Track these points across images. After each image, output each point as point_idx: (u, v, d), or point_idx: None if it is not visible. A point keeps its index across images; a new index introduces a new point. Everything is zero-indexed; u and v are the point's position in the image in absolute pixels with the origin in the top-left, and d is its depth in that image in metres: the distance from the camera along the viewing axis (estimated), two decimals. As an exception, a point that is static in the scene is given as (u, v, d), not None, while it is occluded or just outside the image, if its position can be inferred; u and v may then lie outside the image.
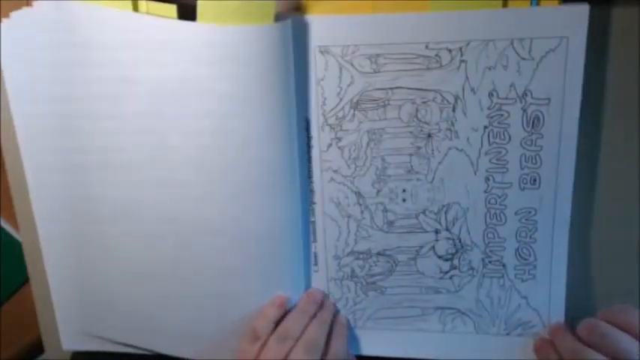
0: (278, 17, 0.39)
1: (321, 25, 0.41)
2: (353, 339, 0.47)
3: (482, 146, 0.42)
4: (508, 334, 0.45)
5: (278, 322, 0.44)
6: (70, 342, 0.51)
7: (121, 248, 0.46)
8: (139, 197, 0.44)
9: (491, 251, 0.44)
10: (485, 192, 0.43)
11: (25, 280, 0.52)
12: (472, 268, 0.44)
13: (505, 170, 0.42)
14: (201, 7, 0.39)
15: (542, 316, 0.44)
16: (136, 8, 0.40)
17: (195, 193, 0.43)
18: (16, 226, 0.50)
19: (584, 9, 0.38)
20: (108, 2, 0.40)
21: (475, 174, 0.43)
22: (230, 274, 0.44)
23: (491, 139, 0.42)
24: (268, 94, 0.40)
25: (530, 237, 0.43)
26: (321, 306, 0.46)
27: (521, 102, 0.41)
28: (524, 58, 0.40)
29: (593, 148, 0.42)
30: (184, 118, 0.41)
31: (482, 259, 0.44)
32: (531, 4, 0.39)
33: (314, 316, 0.45)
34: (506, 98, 0.41)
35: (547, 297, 0.44)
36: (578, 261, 0.44)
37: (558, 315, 0.44)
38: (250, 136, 0.41)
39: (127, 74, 0.41)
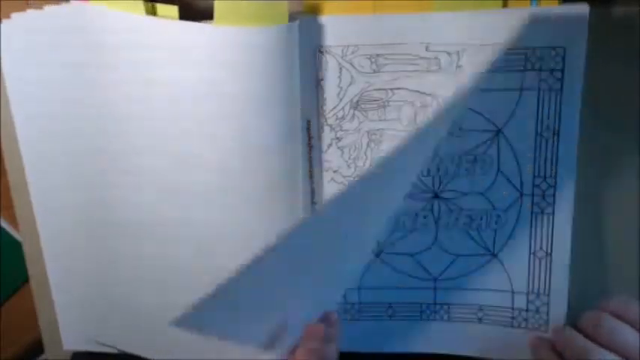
0: (290, 18, 0.40)
1: (321, 25, 0.41)
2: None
3: (482, 146, 0.42)
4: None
5: None
6: (71, 342, 0.51)
7: (125, 250, 0.46)
8: (142, 200, 0.44)
9: None
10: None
11: (25, 280, 0.52)
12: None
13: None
14: (218, 8, 0.39)
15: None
16: (149, 11, 0.40)
17: (206, 195, 0.42)
18: (16, 226, 0.50)
19: (584, 9, 0.38)
20: (119, 4, 0.40)
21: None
22: None
23: (492, 139, 0.42)
24: (280, 94, 0.40)
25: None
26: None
27: (521, 102, 0.41)
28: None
29: (593, 148, 0.42)
30: (200, 119, 0.41)
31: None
32: (531, 4, 0.39)
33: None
34: (506, 98, 0.41)
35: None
36: (579, 261, 0.44)
37: (560, 309, 0.43)
38: (268, 137, 0.41)
39: (130, 76, 0.41)
